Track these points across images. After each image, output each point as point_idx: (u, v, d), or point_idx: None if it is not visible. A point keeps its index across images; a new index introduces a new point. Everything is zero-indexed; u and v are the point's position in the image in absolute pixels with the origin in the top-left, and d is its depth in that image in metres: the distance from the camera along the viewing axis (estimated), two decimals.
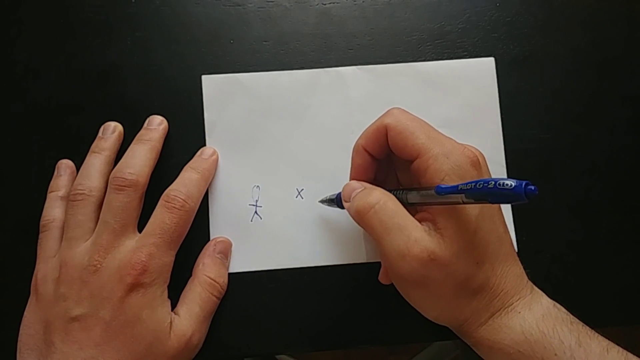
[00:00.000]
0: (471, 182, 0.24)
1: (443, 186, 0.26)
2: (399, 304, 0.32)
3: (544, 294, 0.29)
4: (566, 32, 0.37)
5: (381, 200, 0.28)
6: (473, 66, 0.37)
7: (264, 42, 0.37)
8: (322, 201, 0.35)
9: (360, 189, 0.30)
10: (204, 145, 0.36)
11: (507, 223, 0.35)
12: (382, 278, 0.33)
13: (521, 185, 0.22)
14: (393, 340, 0.34)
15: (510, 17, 0.37)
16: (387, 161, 0.32)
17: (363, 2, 0.38)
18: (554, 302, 0.29)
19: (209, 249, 0.34)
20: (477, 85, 0.37)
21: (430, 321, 0.31)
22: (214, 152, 0.35)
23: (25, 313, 0.32)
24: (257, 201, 0.35)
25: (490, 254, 0.28)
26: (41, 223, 0.33)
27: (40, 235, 0.33)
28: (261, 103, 0.36)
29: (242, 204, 0.35)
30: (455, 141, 0.29)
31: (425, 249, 0.27)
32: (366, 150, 0.31)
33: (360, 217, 0.29)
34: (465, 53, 0.37)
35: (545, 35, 0.37)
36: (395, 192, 0.30)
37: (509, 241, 0.30)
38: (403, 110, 0.30)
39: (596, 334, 0.28)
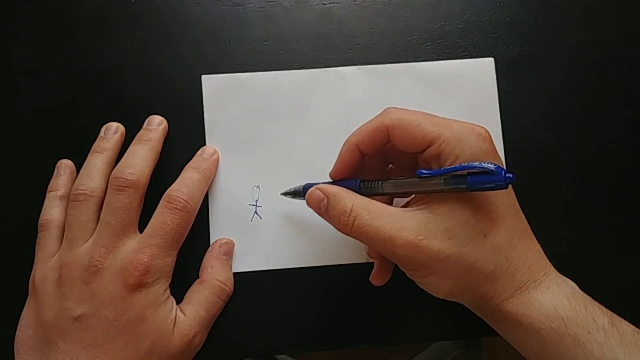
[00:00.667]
0: (452, 168, 0.25)
1: (425, 171, 0.26)
2: (399, 304, 0.32)
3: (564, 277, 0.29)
4: (566, 32, 0.37)
5: (355, 214, 0.28)
6: (473, 66, 0.37)
7: (264, 42, 0.37)
8: (285, 194, 0.34)
9: (325, 200, 0.29)
10: (204, 145, 0.36)
11: None
12: (374, 279, 0.32)
13: (501, 170, 0.23)
14: (393, 340, 0.34)
15: (510, 17, 0.37)
16: (378, 156, 0.32)
17: (363, 2, 0.38)
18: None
19: (214, 250, 0.34)
20: (477, 85, 0.37)
21: (430, 321, 0.31)
22: (215, 152, 0.35)
23: (23, 314, 0.32)
24: (257, 201, 0.35)
25: (505, 227, 0.27)
26: (40, 222, 0.33)
27: (39, 235, 0.33)
28: (261, 103, 0.36)
29: (242, 204, 0.35)
30: (461, 121, 0.28)
31: (408, 236, 0.26)
32: (359, 149, 0.30)
33: (344, 233, 0.29)
34: (465, 53, 0.37)
35: (545, 35, 0.37)
36: (368, 183, 0.29)
37: (525, 219, 0.29)
38: (400, 107, 0.29)
39: (621, 318, 0.27)
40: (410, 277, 0.29)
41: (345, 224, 0.28)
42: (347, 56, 0.37)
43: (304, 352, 0.34)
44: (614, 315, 0.27)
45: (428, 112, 0.36)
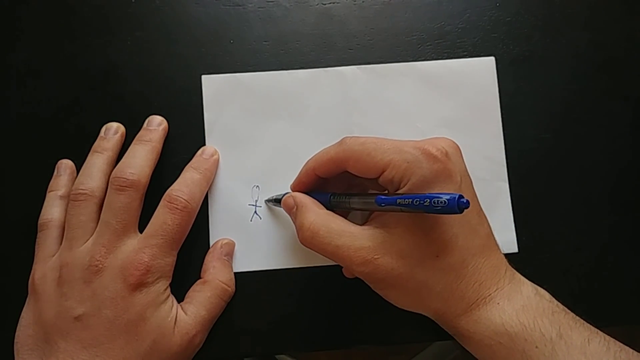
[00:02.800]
0: (408, 198, 0.25)
1: (383, 197, 0.27)
2: None
3: (526, 282, 0.29)
4: (566, 32, 0.37)
5: (313, 230, 0.29)
6: (473, 66, 0.37)
7: (264, 42, 0.37)
8: (269, 200, 0.35)
9: (294, 208, 0.31)
10: (204, 145, 0.36)
11: (507, 222, 0.35)
12: (346, 272, 0.33)
13: (454, 199, 0.23)
14: (393, 340, 0.34)
15: (510, 17, 0.37)
16: (345, 175, 0.32)
17: (363, 2, 0.38)
18: (537, 288, 0.29)
19: (216, 251, 0.34)
20: (478, 84, 0.37)
21: (430, 321, 0.31)
22: (215, 152, 0.35)
23: (22, 314, 0.32)
24: (256, 201, 0.35)
25: (459, 247, 0.28)
26: (39, 222, 0.33)
27: (39, 235, 0.33)
28: (261, 103, 0.36)
29: (242, 204, 0.35)
30: (414, 142, 0.28)
31: (365, 256, 0.28)
32: (316, 174, 0.32)
33: (305, 246, 0.30)
34: (465, 53, 0.37)
35: (545, 35, 0.37)
36: (338, 197, 0.31)
37: (485, 233, 0.29)
38: (354, 137, 0.30)
39: (579, 323, 0.28)
40: (375, 290, 0.30)
41: (302, 238, 0.30)
42: (347, 56, 0.37)
43: (304, 352, 0.34)
44: (566, 323, 0.27)
45: (428, 112, 0.36)
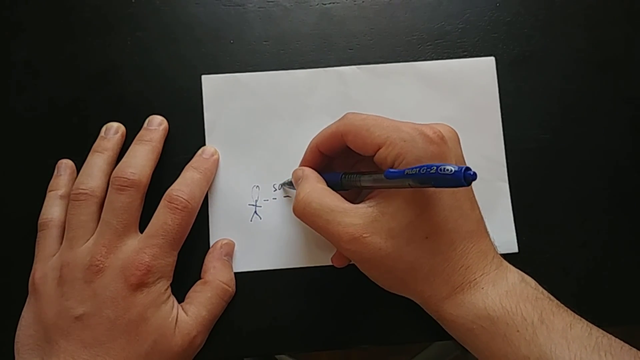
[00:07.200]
0: (416, 167, 0.25)
1: (391, 170, 0.27)
2: (399, 304, 0.32)
3: (512, 269, 0.29)
4: (566, 32, 0.37)
5: (306, 201, 0.30)
6: (473, 65, 0.37)
7: (264, 42, 0.37)
8: (284, 184, 0.35)
9: (300, 180, 0.32)
10: (204, 145, 0.36)
11: (507, 222, 0.35)
12: (334, 260, 0.33)
13: (461, 170, 0.23)
14: (393, 340, 0.34)
15: (510, 17, 0.38)
16: (348, 154, 0.32)
17: (363, 2, 0.38)
18: (524, 276, 0.29)
19: (216, 251, 0.34)
20: (478, 84, 0.37)
21: (430, 321, 0.31)
22: (215, 152, 0.35)
23: (23, 313, 0.32)
24: (256, 201, 0.35)
25: (449, 229, 0.28)
26: (40, 222, 0.33)
27: (39, 234, 0.33)
28: (261, 103, 0.36)
29: (242, 204, 0.35)
30: (413, 123, 0.29)
31: (354, 233, 0.28)
32: (319, 150, 0.32)
33: (297, 216, 0.30)
34: (465, 53, 0.37)
35: (545, 35, 0.37)
36: (349, 176, 0.31)
37: (476, 218, 0.29)
38: (356, 113, 0.31)
39: (562, 310, 0.28)
40: (362, 270, 0.31)
41: (295, 208, 0.30)
42: (347, 56, 0.37)
43: (304, 352, 0.34)
44: (549, 309, 0.27)
45: (428, 112, 0.36)
